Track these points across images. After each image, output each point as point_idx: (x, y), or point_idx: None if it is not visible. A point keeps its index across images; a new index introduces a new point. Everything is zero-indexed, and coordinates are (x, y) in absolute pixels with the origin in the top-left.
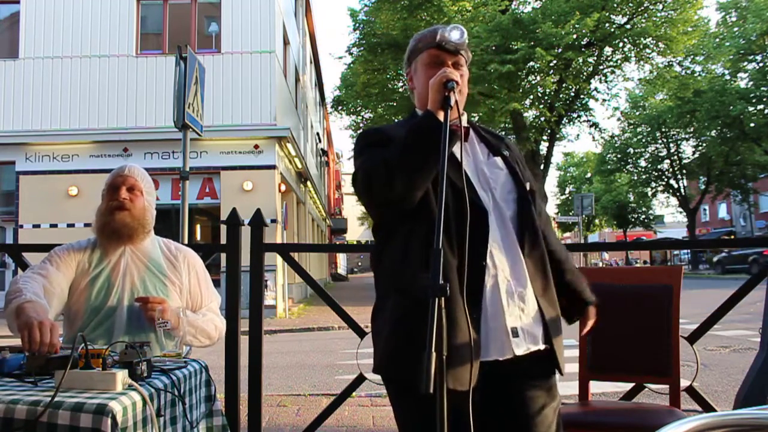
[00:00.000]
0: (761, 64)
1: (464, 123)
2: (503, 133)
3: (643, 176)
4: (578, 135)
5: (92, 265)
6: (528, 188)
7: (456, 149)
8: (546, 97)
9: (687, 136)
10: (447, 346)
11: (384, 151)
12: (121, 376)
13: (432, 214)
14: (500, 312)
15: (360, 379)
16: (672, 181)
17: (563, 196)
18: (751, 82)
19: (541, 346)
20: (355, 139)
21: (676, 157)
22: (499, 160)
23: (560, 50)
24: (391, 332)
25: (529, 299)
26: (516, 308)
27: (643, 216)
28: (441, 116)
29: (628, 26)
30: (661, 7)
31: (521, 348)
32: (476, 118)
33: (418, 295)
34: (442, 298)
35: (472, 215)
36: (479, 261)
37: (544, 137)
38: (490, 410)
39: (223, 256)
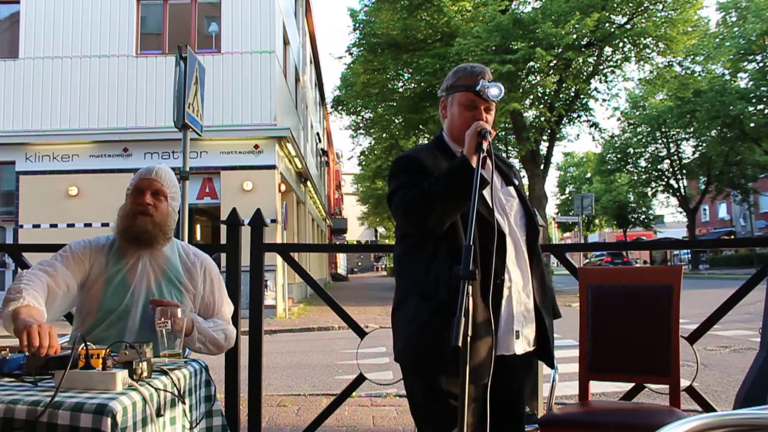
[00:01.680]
0: (761, 64)
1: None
2: (503, 133)
3: (643, 176)
4: (578, 135)
5: (109, 265)
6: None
7: (485, 193)
8: (546, 97)
9: (687, 136)
10: (471, 344)
11: (418, 179)
12: (121, 376)
13: (457, 237)
14: (511, 318)
15: (360, 379)
16: (672, 181)
17: (563, 196)
18: (751, 82)
19: (532, 348)
20: (392, 162)
21: (676, 157)
22: (512, 189)
23: (560, 50)
24: (414, 334)
25: (531, 309)
26: (521, 316)
27: (643, 216)
28: (474, 160)
29: (628, 26)
30: (661, 7)
31: (520, 348)
32: None
33: (451, 284)
34: (470, 289)
35: (494, 238)
36: (500, 276)
37: (544, 137)
38: (490, 394)
39: (223, 256)
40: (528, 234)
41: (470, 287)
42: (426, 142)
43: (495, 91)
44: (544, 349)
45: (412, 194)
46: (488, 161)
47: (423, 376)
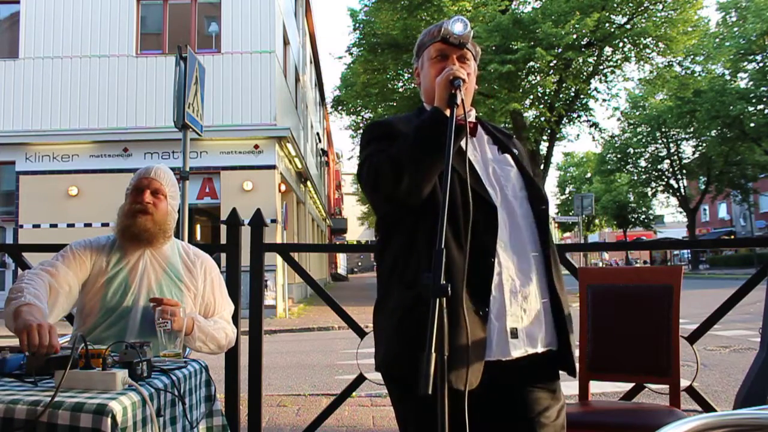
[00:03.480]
0: (761, 64)
1: (472, 119)
2: None
3: (643, 176)
4: (578, 135)
5: (110, 264)
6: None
7: (463, 145)
8: (546, 97)
9: (687, 136)
10: (449, 344)
11: (390, 146)
12: (121, 376)
13: (437, 209)
14: (503, 311)
15: (360, 379)
16: (672, 181)
17: (563, 196)
18: (751, 82)
19: (540, 350)
20: (362, 131)
21: (676, 157)
22: (508, 156)
23: (560, 50)
24: (394, 329)
25: (532, 299)
26: (518, 308)
27: (643, 216)
28: (447, 114)
29: (628, 26)
30: (661, 7)
31: (518, 350)
32: None
33: (421, 293)
34: (444, 298)
35: (482, 211)
36: (488, 258)
37: (544, 137)
38: (494, 411)
39: (223, 256)
40: (533, 207)
41: (444, 301)
42: None
43: (459, 25)
44: (560, 353)
45: (379, 160)
46: (460, 110)
47: (403, 389)
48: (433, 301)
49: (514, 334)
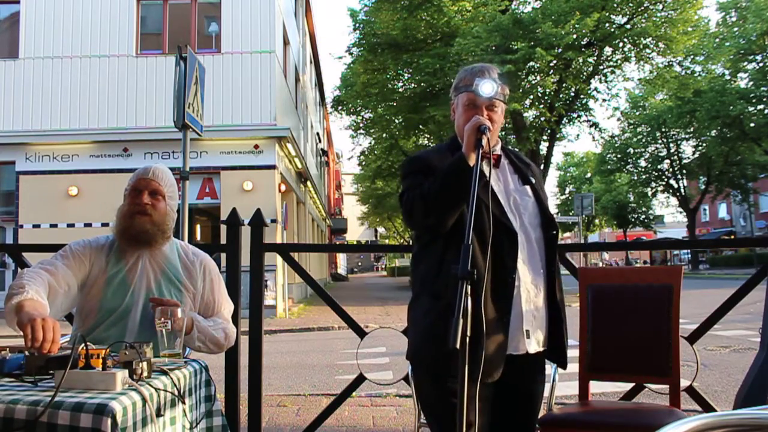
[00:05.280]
0: (761, 64)
1: (497, 150)
2: (503, 133)
3: (643, 176)
4: (578, 135)
5: (109, 265)
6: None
7: (499, 190)
8: (546, 97)
9: (687, 136)
10: (479, 345)
11: (425, 180)
12: (121, 376)
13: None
14: (520, 317)
15: (360, 379)
16: (672, 181)
17: (563, 196)
18: (751, 82)
19: (541, 348)
20: (402, 164)
21: (676, 157)
22: (528, 188)
23: (560, 50)
24: (427, 330)
25: (541, 308)
26: (531, 315)
27: (643, 216)
28: (472, 157)
29: (628, 26)
30: (661, 7)
31: (532, 347)
32: None
33: (452, 288)
34: (470, 287)
35: (505, 236)
36: (510, 275)
37: (544, 137)
38: (502, 394)
39: (223, 256)
40: (544, 233)
41: (468, 287)
42: (426, 142)
43: (486, 88)
44: (556, 348)
45: (413, 195)
46: (487, 157)
47: (431, 376)
48: (461, 283)
49: (528, 335)
